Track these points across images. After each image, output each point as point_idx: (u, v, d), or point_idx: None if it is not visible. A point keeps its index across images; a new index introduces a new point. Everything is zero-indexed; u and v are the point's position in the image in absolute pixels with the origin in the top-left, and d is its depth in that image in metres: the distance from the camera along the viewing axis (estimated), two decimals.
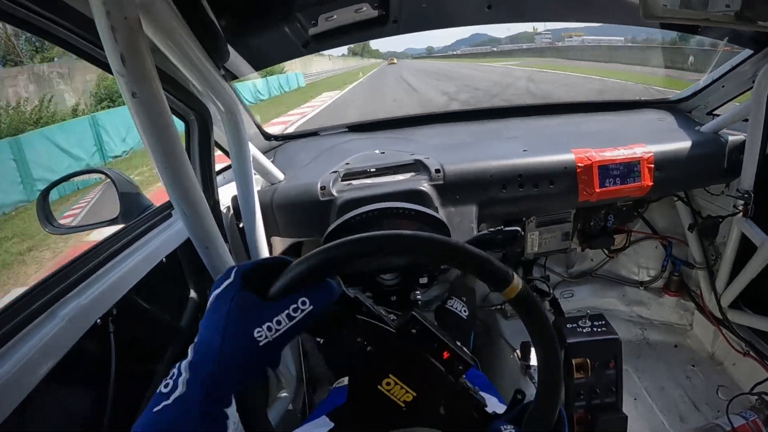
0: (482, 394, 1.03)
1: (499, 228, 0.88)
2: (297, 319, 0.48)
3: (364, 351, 0.57)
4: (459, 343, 0.65)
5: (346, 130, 1.83)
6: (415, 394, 0.58)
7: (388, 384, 0.58)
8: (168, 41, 0.88)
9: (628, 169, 1.43)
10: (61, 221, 1.21)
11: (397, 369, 0.58)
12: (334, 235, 1.00)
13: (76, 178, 1.38)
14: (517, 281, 0.50)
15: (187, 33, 0.92)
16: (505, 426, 0.54)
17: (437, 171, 1.34)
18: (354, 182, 1.38)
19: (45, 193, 1.20)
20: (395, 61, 60.68)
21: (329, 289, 0.51)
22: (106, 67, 0.91)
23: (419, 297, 1.02)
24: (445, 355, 0.59)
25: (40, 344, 0.65)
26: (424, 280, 1.00)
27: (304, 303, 0.48)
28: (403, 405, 0.58)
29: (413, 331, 0.58)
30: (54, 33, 0.80)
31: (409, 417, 0.59)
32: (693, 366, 1.81)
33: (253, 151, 1.28)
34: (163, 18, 0.84)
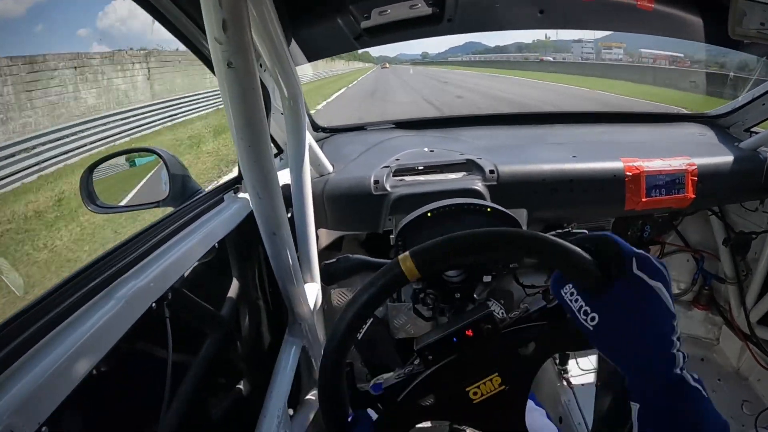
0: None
1: (567, 229, 0.87)
2: None
3: (436, 404, 0.59)
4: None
5: (393, 126, 1.83)
6: (497, 373, 0.59)
7: (476, 393, 0.59)
8: (255, 15, 0.86)
9: (674, 180, 1.44)
10: None
11: (465, 379, 0.59)
12: (407, 229, 0.99)
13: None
14: (404, 256, 0.51)
15: (273, 9, 0.91)
16: (564, 290, 0.52)
17: (491, 171, 1.34)
18: (406, 178, 1.38)
19: (90, 170, 1.17)
20: (388, 65, 57.96)
21: (361, 419, 0.59)
22: (188, 42, 0.90)
23: (475, 296, 1.01)
24: (469, 333, 0.60)
25: (95, 327, 0.61)
26: (488, 278, 0.98)
27: None
28: (503, 387, 0.59)
29: (430, 357, 0.60)
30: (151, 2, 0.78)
31: (515, 389, 0.60)
32: (719, 380, 1.82)
33: (309, 139, 1.26)
34: None
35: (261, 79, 1.16)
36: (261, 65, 1.11)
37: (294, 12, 1.22)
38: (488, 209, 1.00)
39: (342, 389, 0.56)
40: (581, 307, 0.49)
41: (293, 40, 1.27)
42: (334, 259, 0.84)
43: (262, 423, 1.09)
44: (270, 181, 0.90)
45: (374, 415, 0.60)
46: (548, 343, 0.59)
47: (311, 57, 1.41)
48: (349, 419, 0.58)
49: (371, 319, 1.52)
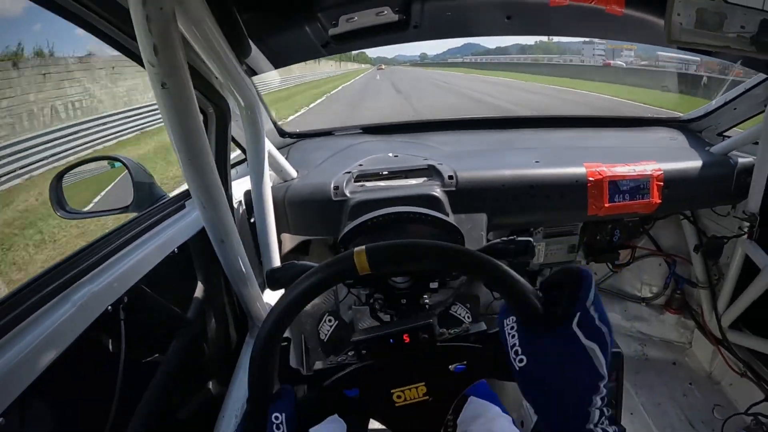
0: (484, 401, 1.04)
1: (512, 237, 0.88)
2: (285, 429, 0.54)
3: (359, 397, 0.61)
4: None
5: (360, 131, 1.84)
6: (423, 383, 0.60)
7: (399, 397, 0.60)
8: (197, 33, 0.89)
9: (638, 185, 1.44)
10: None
11: (392, 381, 0.60)
12: (349, 237, 1.00)
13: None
14: (359, 250, 0.52)
15: (215, 26, 0.93)
16: (507, 320, 0.53)
17: (450, 177, 1.35)
18: (367, 184, 1.39)
19: (59, 177, 1.21)
20: (384, 67, 56.88)
21: (284, 392, 0.57)
22: (137, 59, 0.92)
23: (427, 301, 1.02)
24: (406, 338, 0.61)
25: (51, 328, 0.65)
26: (434, 285, 1.00)
27: (276, 418, 0.54)
28: (427, 398, 0.60)
29: (363, 352, 0.61)
30: (88, 20, 0.80)
31: (438, 403, 0.61)
32: (690, 384, 1.83)
33: (269, 147, 1.28)
34: (195, 10, 0.85)
35: (219, 90, 1.19)
36: (216, 77, 1.14)
37: (259, 20, 1.23)
38: (428, 217, 1.01)
39: (272, 363, 0.56)
40: (514, 345, 0.50)
41: (256, 48, 1.29)
42: (279, 265, 0.86)
43: (220, 423, 1.11)
44: (213, 192, 0.93)
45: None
46: (478, 367, 0.60)
47: (277, 64, 1.43)
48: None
49: (336, 322, 1.54)
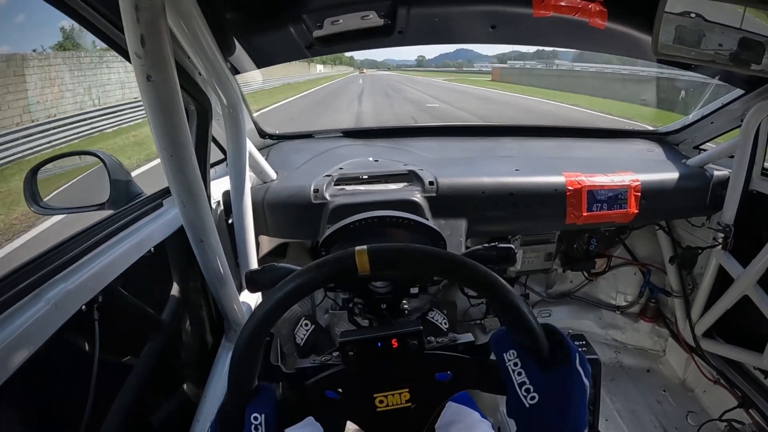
0: (462, 406, 1.04)
1: (493, 244, 0.89)
2: (263, 430, 0.52)
3: (340, 399, 0.59)
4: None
5: (341, 135, 1.84)
6: (407, 389, 0.59)
7: (382, 402, 0.59)
8: (184, 27, 0.88)
9: (616, 195, 1.47)
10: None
11: (376, 385, 0.59)
12: (329, 241, 1.00)
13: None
14: (361, 249, 0.51)
15: (203, 21, 0.92)
16: (507, 354, 0.51)
17: (431, 183, 1.36)
18: (347, 188, 1.39)
19: (34, 171, 1.18)
20: (365, 71, 56.46)
21: (264, 390, 0.55)
22: (121, 50, 0.91)
23: (406, 307, 1.02)
24: (394, 343, 0.60)
25: (22, 328, 0.62)
26: (415, 290, 1.00)
27: (256, 418, 0.52)
28: (409, 404, 0.59)
29: (351, 353, 0.60)
30: (75, 8, 0.79)
31: (421, 411, 0.60)
32: (664, 391, 1.85)
33: (250, 147, 1.28)
34: (184, 2, 0.84)
35: (202, 87, 1.17)
36: (200, 73, 1.13)
37: (244, 18, 1.23)
38: (411, 222, 1.00)
39: (256, 358, 0.54)
40: (523, 382, 0.49)
41: (240, 47, 1.28)
42: (259, 267, 0.85)
43: (195, 427, 1.09)
44: (194, 190, 0.91)
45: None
46: (465, 377, 0.60)
47: (260, 64, 1.42)
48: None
49: (313, 327, 1.53)
